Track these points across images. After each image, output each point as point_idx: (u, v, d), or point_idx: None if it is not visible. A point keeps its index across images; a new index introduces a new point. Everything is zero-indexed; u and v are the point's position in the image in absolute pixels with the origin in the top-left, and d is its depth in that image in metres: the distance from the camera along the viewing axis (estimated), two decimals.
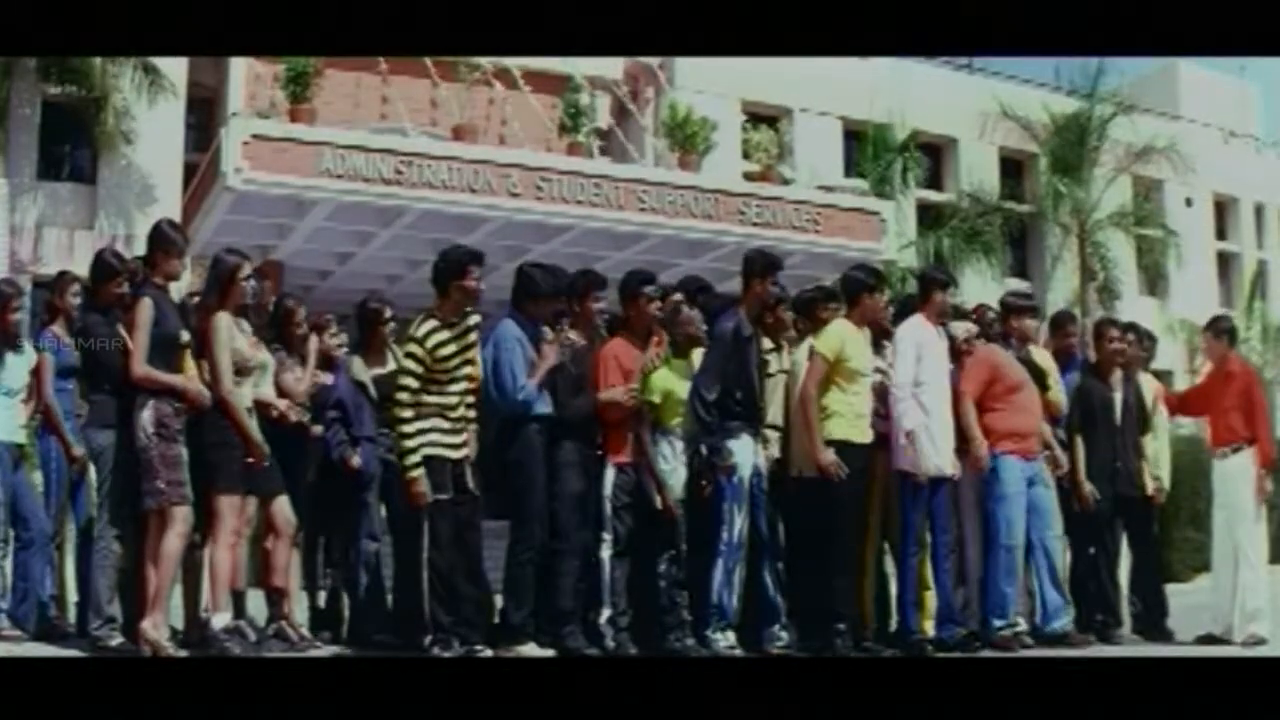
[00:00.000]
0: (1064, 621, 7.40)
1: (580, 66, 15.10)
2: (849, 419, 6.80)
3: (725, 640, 6.64)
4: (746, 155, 15.97)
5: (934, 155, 20.63)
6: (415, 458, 6.11)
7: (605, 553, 6.56)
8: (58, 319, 7.06)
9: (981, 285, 17.11)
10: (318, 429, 7.01)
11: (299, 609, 7.21)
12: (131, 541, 6.14)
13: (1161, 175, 21.39)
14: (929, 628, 7.10)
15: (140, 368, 5.95)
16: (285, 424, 6.64)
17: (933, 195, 20.40)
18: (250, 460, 6.21)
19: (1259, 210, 23.99)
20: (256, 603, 6.91)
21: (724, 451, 6.66)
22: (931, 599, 7.15)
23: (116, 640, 6.12)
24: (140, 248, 6.95)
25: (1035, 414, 7.55)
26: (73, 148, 15.66)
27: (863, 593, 7.08)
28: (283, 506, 6.74)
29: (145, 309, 5.99)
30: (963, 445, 7.30)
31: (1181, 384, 17.32)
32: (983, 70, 21.26)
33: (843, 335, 6.87)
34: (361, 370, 7.21)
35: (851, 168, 18.78)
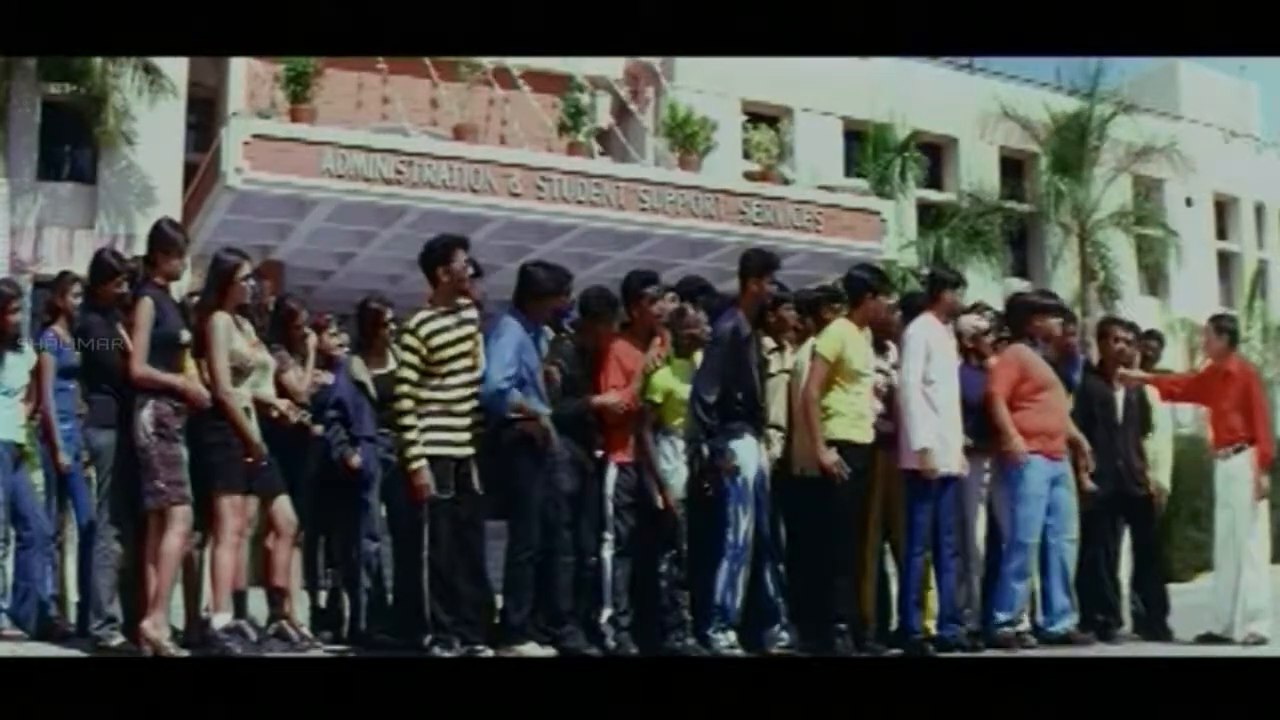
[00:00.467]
0: (1066, 624, 7.39)
1: (580, 66, 15.10)
2: (851, 419, 6.80)
3: (726, 640, 6.64)
4: (747, 155, 15.96)
5: (934, 155, 20.61)
6: (417, 450, 6.10)
7: (607, 552, 6.55)
8: (59, 319, 7.07)
9: (982, 285, 17.08)
10: (318, 429, 7.01)
11: (300, 609, 7.21)
12: (131, 541, 6.14)
13: (1162, 175, 21.37)
14: (931, 627, 7.11)
15: (140, 368, 5.95)
16: (285, 424, 6.64)
17: (933, 195, 20.38)
18: (250, 460, 6.21)
19: (1259, 210, 23.97)
20: (257, 602, 6.91)
21: (727, 453, 6.66)
22: (933, 598, 7.15)
23: (117, 640, 6.12)
24: (140, 248, 6.95)
25: (1063, 414, 7.55)
26: (73, 148, 15.65)
27: (863, 593, 7.09)
28: (283, 506, 6.74)
29: (145, 309, 5.99)
30: (979, 443, 7.33)
31: None
32: (983, 70, 21.24)
33: (843, 336, 6.86)
34: (361, 370, 7.21)
35: (852, 167, 18.78)
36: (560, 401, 6.49)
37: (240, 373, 6.24)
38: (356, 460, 7.01)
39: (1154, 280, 22.09)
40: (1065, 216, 20.15)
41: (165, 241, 6.18)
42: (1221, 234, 23.60)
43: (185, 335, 6.09)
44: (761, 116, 17.53)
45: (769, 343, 7.22)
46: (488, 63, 14.86)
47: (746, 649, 6.70)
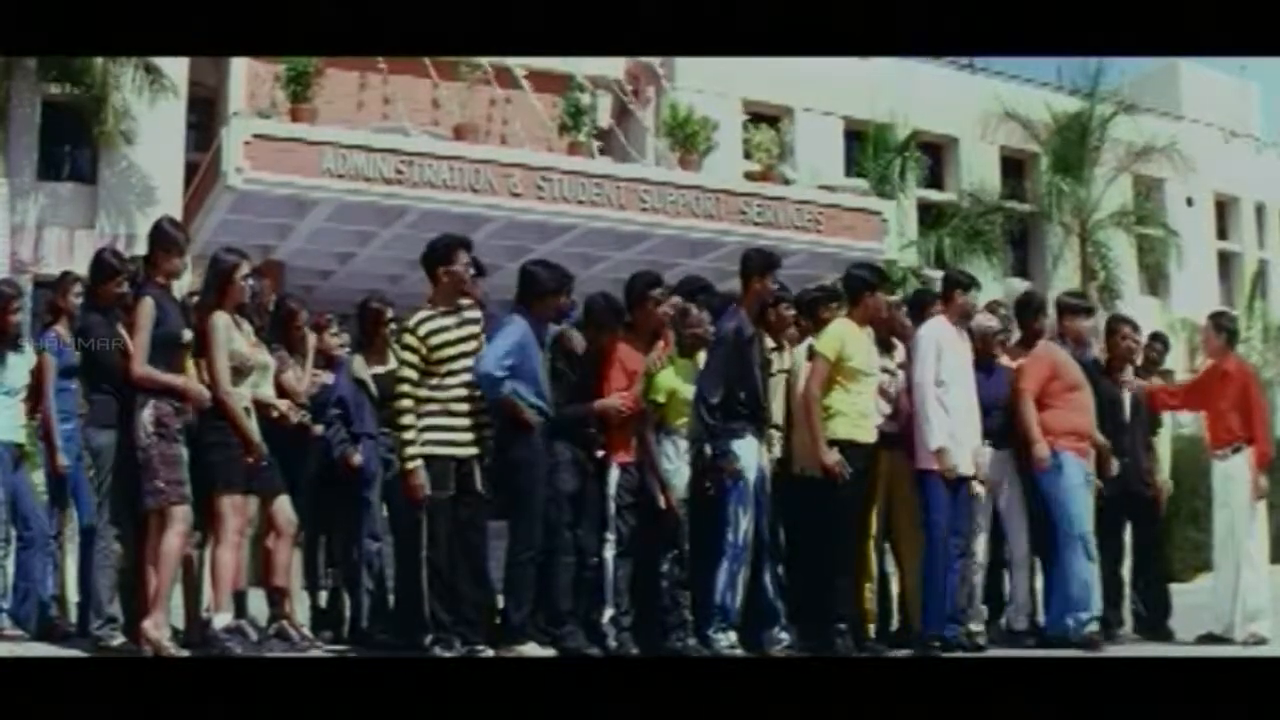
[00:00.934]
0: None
1: (580, 66, 15.10)
2: (852, 418, 6.79)
3: (726, 640, 6.64)
4: (747, 155, 15.97)
5: (935, 155, 20.61)
6: (413, 450, 6.11)
7: (608, 552, 6.54)
8: (61, 319, 7.07)
9: (982, 285, 17.08)
10: (319, 428, 7.01)
11: (300, 609, 7.21)
12: (131, 541, 6.14)
13: (1162, 175, 21.39)
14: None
15: (140, 368, 5.95)
16: (286, 424, 6.63)
17: (934, 195, 20.39)
18: (250, 460, 6.21)
19: (1259, 210, 23.96)
20: (258, 602, 6.91)
21: (730, 455, 6.67)
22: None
23: (118, 640, 6.12)
24: (141, 247, 6.95)
25: (1091, 415, 7.55)
26: (73, 148, 15.66)
27: (863, 593, 7.09)
28: (284, 506, 6.74)
29: (146, 309, 5.98)
30: (998, 444, 7.37)
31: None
32: (983, 70, 21.24)
33: (843, 335, 6.86)
34: (362, 368, 7.22)
35: (852, 167, 18.78)
36: (564, 407, 6.49)
37: (240, 373, 6.24)
38: (357, 459, 7.01)
39: (1154, 280, 22.09)
40: (1066, 216, 20.16)
41: (166, 240, 6.18)
42: (1222, 234, 23.60)
43: (187, 335, 6.09)
44: (762, 116, 17.54)
45: (769, 342, 7.21)
46: (487, 63, 14.86)
47: (747, 649, 6.70)
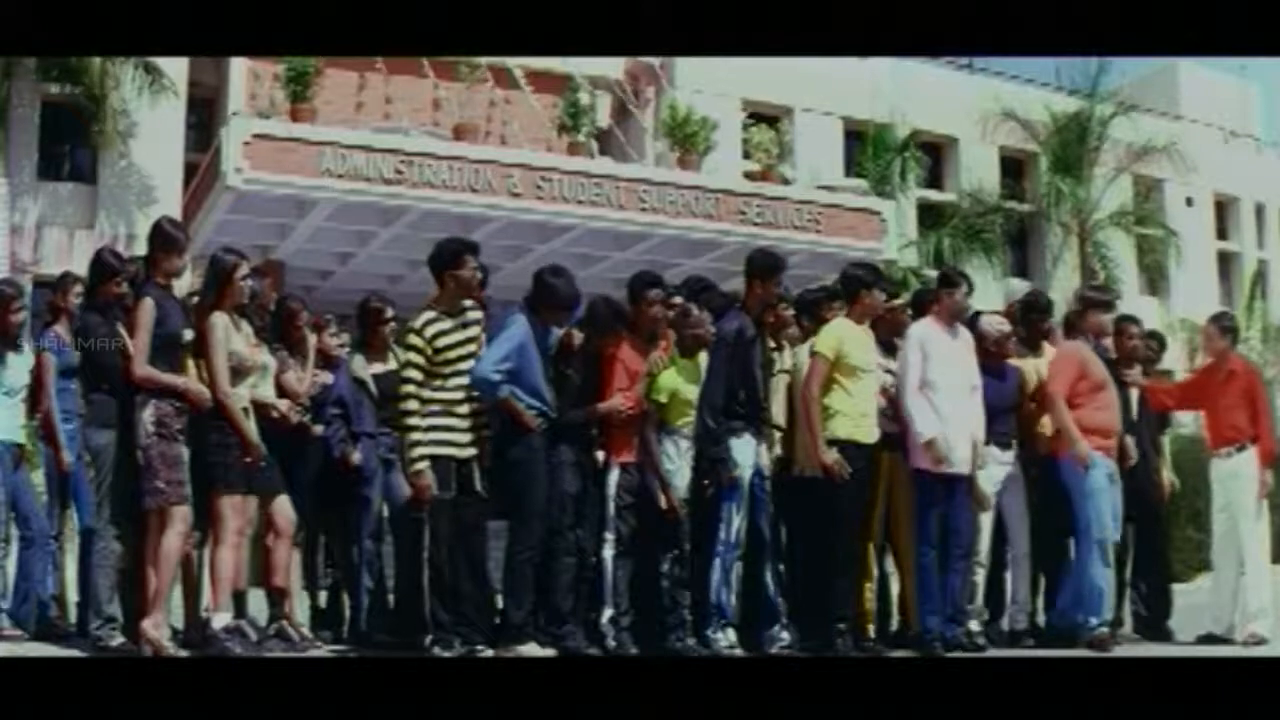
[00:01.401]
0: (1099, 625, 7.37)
1: (580, 66, 15.10)
2: (852, 418, 6.79)
3: (725, 640, 6.65)
4: (747, 155, 15.97)
5: (934, 155, 20.62)
6: (419, 451, 6.11)
7: (608, 552, 6.55)
8: (60, 319, 7.07)
9: (982, 285, 17.06)
10: (319, 429, 7.01)
11: (300, 609, 7.21)
12: (131, 541, 6.14)
13: (1162, 175, 21.39)
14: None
15: (141, 368, 5.94)
16: (286, 425, 6.63)
17: (933, 195, 20.39)
18: (249, 460, 6.21)
19: (1259, 210, 23.97)
20: (257, 602, 6.91)
21: (729, 462, 6.68)
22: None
23: (117, 640, 6.12)
24: (141, 247, 6.95)
25: (1117, 411, 7.53)
26: (73, 148, 15.66)
27: (863, 593, 7.09)
28: (283, 506, 6.74)
29: (147, 309, 5.98)
30: (1004, 446, 7.37)
31: None
32: (983, 70, 21.25)
33: (841, 333, 6.87)
34: (362, 367, 7.22)
35: (852, 167, 18.77)
36: (568, 410, 6.49)
37: (239, 373, 6.24)
38: (356, 457, 7.01)
39: (1154, 280, 22.09)
40: (1065, 216, 20.17)
41: (166, 240, 6.18)
42: (1221, 234, 23.60)
43: (188, 335, 6.09)
44: (761, 116, 17.53)
45: (769, 342, 7.22)
46: (487, 63, 14.86)
47: (746, 649, 6.70)
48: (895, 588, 7.48)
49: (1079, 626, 7.17)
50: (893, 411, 7.17)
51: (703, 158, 14.78)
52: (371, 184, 12.47)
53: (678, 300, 6.83)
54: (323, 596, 7.49)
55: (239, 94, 15.26)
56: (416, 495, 6.15)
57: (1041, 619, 7.68)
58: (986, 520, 7.44)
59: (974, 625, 7.22)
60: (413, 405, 6.16)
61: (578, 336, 6.70)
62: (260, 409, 6.42)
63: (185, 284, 8.12)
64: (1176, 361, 19.57)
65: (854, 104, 18.96)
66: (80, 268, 7.22)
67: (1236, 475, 7.74)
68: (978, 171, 20.36)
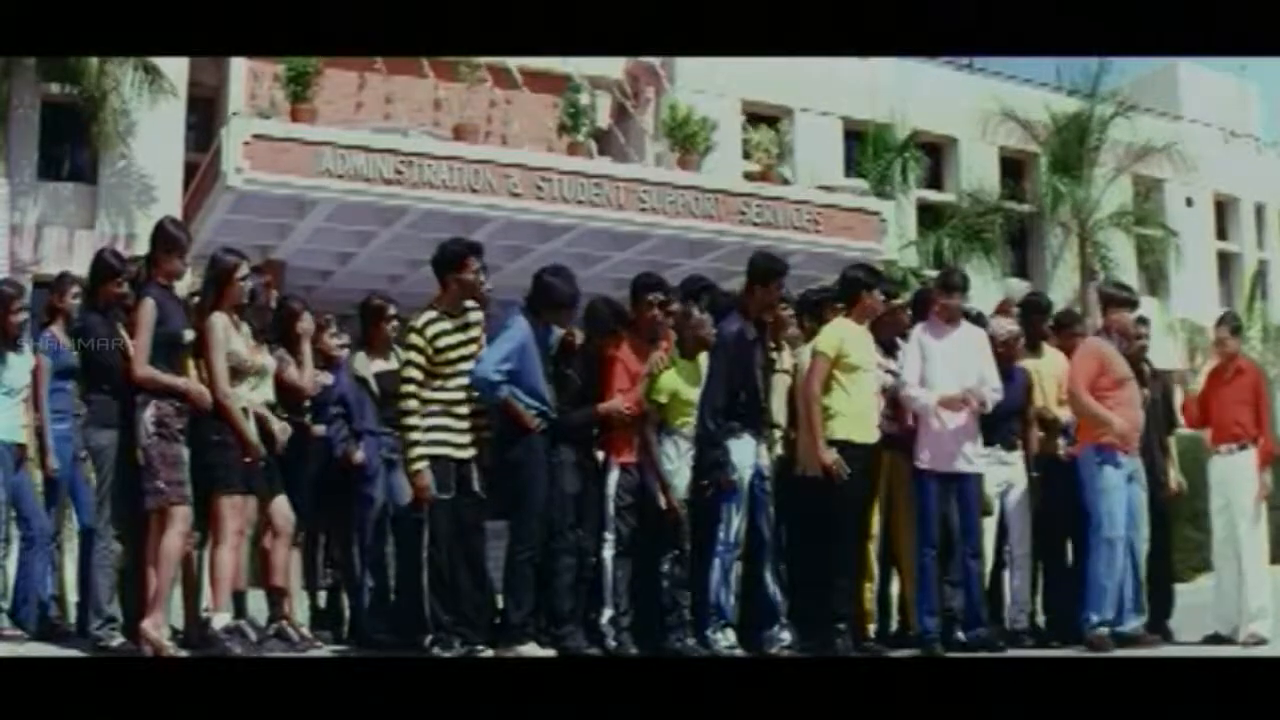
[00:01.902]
0: (1135, 624, 7.35)
1: (580, 66, 15.10)
2: (852, 418, 6.80)
3: (725, 640, 6.65)
4: (747, 155, 15.96)
5: (934, 155, 20.60)
6: (418, 451, 6.11)
7: (608, 553, 6.55)
8: (57, 320, 7.07)
9: (982, 285, 17.08)
10: (320, 429, 7.01)
11: (299, 609, 7.21)
12: (131, 541, 6.14)
13: (1162, 175, 21.37)
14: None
15: (142, 369, 5.95)
16: (277, 440, 6.56)
17: (933, 195, 20.38)
18: (248, 460, 6.20)
19: (1259, 210, 23.95)
20: (257, 602, 6.91)
21: (729, 467, 6.68)
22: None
23: (117, 640, 6.13)
24: (141, 247, 6.95)
25: (1139, 408, 7.50)
26: (73, 148, 15.63)
27: (863, 593, 7.09)
28: (282, 506, 6.74)
29: (147, 309, 5.99)
30: (1008, 447, 7.40)
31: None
32: (983, 70, 21.23)
33: (841, 333, 6.89)
34: (363, 366, 7.22)
35: (852, 167, 18.76)
36: (569, 412, 6.49)
37: (239, 373, 6.24)
38: (359, 455, 7.01)
39: (1154, 280, 22.06)
40: (1065, 216, 20.15)
41: (167, 240, 6.18)
42: (1221, 234, 23.59)
43: (189, 335, 6.09)
44: (761, 116, 17.53)
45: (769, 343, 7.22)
46: (486, 63, 14.86)
47: (746, 649, 6.70)
48: (895, 588, 7.48)
49: (1084, 624, 7.17)
50: (892, 411, 7.18)
51: (702, 158, 14.77)
52: (371, 184, 12.46)
53: (675, 307, 6.81)
54: (322, 596, 7.49)
55: (239, 94, 15.25)
56: (416, 495, 6.15)
57: (1041, 619, 7.67)
58: (989, 522, 7.44)
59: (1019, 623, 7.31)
60: (412, 405, 6.17)
61: (579, 336, 6.70)
62: (257, 422, 6.37)
63: (185, 284, 8.12)
64: (1176, 362, 19.60)
65: (854, 104, 18.94)
66: (80, 268, 7.22)
67: (1236, 475, 7.74)
68: (977, 172, 20.35)
